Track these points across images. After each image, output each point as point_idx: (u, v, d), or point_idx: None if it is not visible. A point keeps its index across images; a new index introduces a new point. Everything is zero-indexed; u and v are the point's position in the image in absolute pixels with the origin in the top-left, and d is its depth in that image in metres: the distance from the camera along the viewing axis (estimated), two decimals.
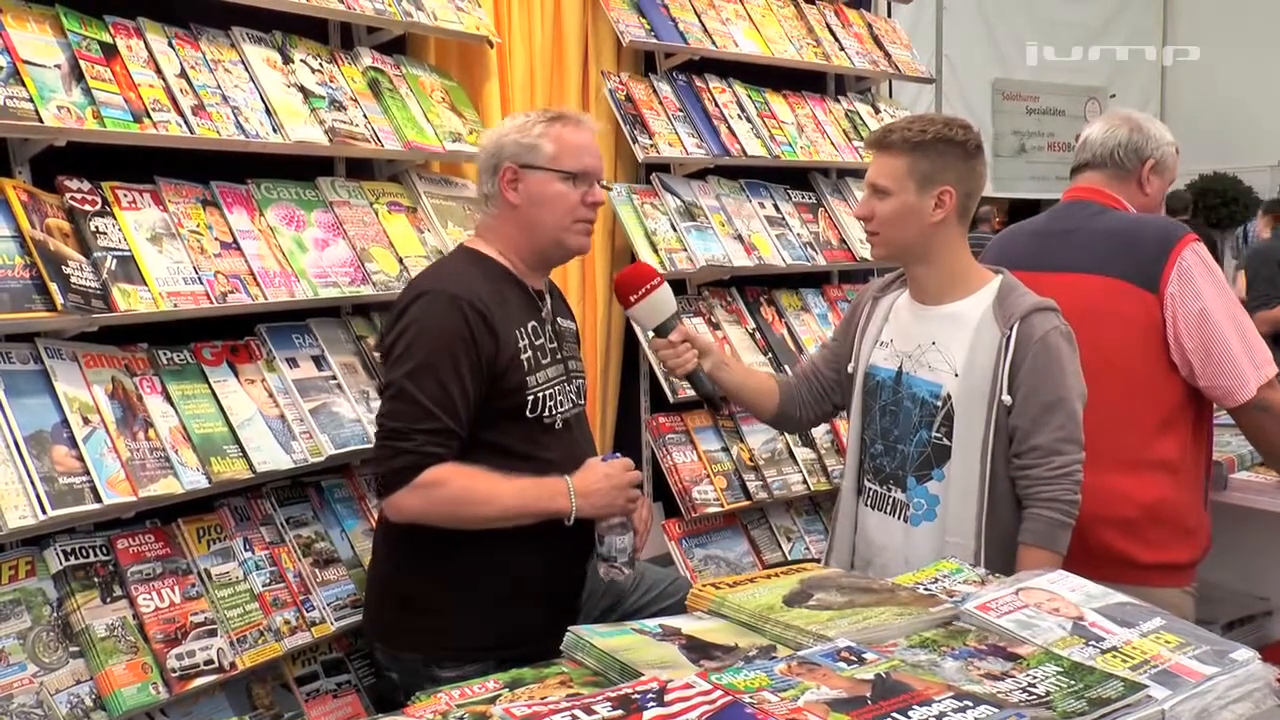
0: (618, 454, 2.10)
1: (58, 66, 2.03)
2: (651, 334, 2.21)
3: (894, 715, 1.11)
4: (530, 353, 2.01)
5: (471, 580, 2.00)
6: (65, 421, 1.92)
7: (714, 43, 3.33)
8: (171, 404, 2.12)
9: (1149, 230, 2.31)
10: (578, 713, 1.08)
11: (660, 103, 3.23)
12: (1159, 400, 2.26)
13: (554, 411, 2.05)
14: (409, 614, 2.03)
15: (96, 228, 2.04)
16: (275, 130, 2.31)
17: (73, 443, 1.91)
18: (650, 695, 1.12)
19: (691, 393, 2.97)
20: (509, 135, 2.07)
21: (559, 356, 2.10)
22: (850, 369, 2.23)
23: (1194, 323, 2.20)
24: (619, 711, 1.08)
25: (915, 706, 1.12)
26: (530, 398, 2.00)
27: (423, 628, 2.01)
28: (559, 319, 2.17)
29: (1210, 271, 2.24)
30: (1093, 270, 2.30)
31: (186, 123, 2.16)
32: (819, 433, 3.29)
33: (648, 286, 2.14)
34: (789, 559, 3.21)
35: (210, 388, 2.19)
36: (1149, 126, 2.45)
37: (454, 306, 1.92)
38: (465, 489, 1.91)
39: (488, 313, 1.94)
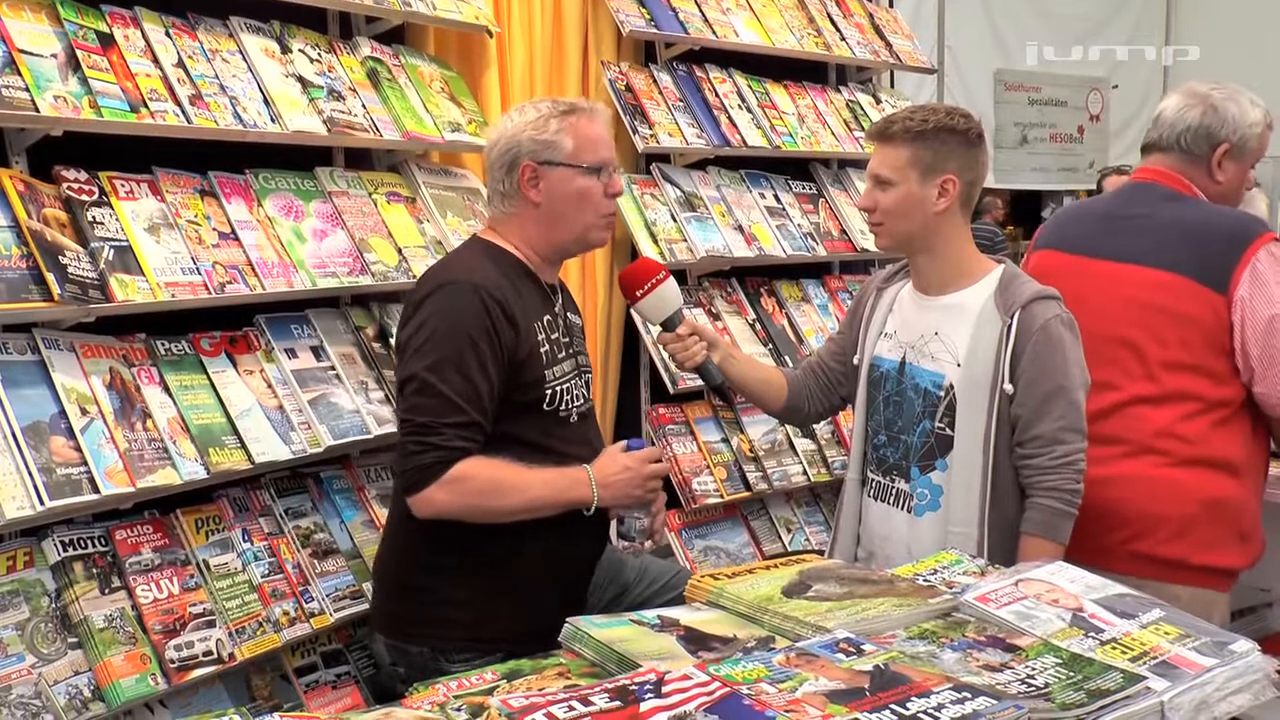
0: (643, 441, 2.07)
1: (54, 56, 2.02)
2: (658, 328, 2.19)
3: (892, 706, 1.10)
4: (547, 346, 2.00)
5: (483, 571, 1.98)
6: (63, 412, 1.92)
7: (714, 33, 3.31)
8: (170, 395, 2.11)
9: (1222, 225, 2.16)
10: (575, 704, 1.08)
11: (660, 93, 3.21)
12: (1220, 398, 2.16)
13: (569, 405, 2.04)
14: (418, 606, 2.01)
15: (94, 218, 2.04)
16: (273, 120, 2.30)
17: (70, 433, 1.91)
18: (648, 686, 1.12)
19: (691, 384, 2.99)
20: (524, 132, 2.00)
21: (570, 351, 2.08)
22: (855, 361, 2.22)
23: (1261, 329, 2.08)
24: (617, 703, 1.08)
25: (914, 698, 1.12)
26: (548, 391, 1.98)
27: (432, 619, 1.99)
28: (568, 314, 2.16)
29: None
30: (1157, 265, 2.17)
31: (184, 112, 2.15)
32: (819, 424, 3.28)
33: (653, 281, 2.12)
34: (789, 550, 3.21)
35: (208, 378, 2.19)
36: (1227, 107, 2.22)
37: (475, 297, 1.89)
38: (494, 481, 1.88)
39: (507, 303, 1.92)
